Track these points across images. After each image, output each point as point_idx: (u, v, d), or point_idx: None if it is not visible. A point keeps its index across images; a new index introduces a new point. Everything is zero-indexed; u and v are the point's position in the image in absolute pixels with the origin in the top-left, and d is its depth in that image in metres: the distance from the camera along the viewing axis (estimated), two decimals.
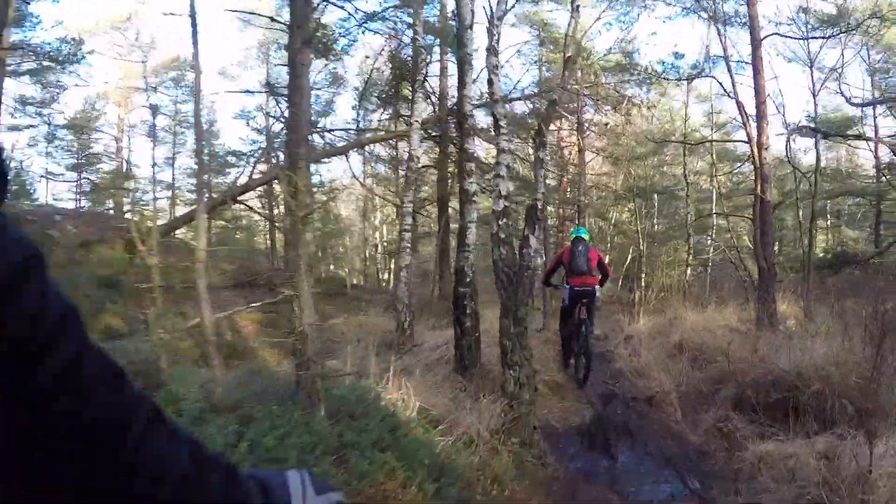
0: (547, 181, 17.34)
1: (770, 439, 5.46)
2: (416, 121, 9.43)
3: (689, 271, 15.96)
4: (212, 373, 5.23)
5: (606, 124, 19.50)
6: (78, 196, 30.77)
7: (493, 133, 5.94)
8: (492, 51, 5.95)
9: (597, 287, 7.89)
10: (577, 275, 7.72)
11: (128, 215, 22.69)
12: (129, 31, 28.20)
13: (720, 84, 10.76)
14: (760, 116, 10.37)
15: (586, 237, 8.14)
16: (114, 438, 0.51)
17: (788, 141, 9.89)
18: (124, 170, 31.14)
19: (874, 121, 19.46)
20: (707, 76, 12.80)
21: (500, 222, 5.31)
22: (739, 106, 10.51)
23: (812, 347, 6.83)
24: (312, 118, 17.53)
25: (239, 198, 13.07)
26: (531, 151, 9.40)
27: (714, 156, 16.74)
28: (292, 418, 4.18)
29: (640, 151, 18.39)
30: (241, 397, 4.67)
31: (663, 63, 13.40)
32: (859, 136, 15.16)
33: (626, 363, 9.03)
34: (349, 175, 19.04)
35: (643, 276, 16.61)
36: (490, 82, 5.88)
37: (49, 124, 27.67)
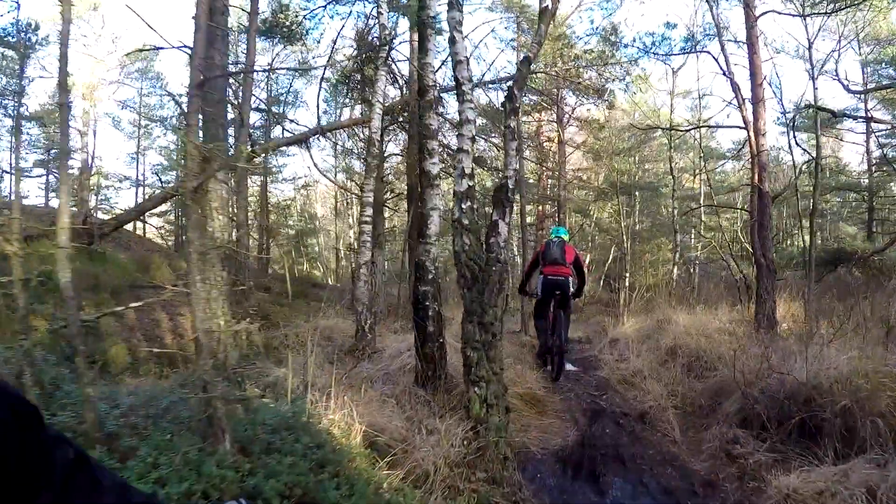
0: (522, 157, 16.52)
1: (790, 465, 4.55)
2: (378, 101, 8.44)
3: (675, 270, 15.05)
4: (103, 389, 4.20)
5: (587, 120, 18.79)
6: (47, 193, 29.53)
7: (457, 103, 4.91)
8: (454, 4, 4.96)
9: (570, 279, 7.81)
10: (551, 264, 7.78)
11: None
12: (95, 21, 26.93)
13: (715, 59, 9.82)
14: (757, 99, 9.49)
15: (565, 237, 8.21)
16: (24, 495, 0.44)
17: (794, 121, 8.94)
18: (89, 165, 29.77)
19: (866, 114, 18.72)
20: (701, 51, 11.83)
21: (464, 206, 4.32)
22: (734, 87, 9.60)
23: (827, 355, 5.90)
24: (280, 110, 16.48)
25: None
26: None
27: (701, 145, 15.84)
28: (185, 454, 3.15)
29: (622, 146, 17.54)
30: (129, 423, 3.63)
31: (653, 35, 12.40)
32: (871, 119, 14.34)
33: (613, 371, 8.08)
34: (320, 173, 17.96)
35: (627, 275, 15.68)
36: (452, 40, 4.89)
37: (12, 117, 26.33)
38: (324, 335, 8.94)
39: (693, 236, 21.01)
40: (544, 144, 20.65)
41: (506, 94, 4.52)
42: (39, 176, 29.17)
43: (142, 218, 14.39)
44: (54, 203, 28.21)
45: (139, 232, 25.51)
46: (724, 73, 9.76)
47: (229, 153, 3.94)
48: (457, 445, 4.02)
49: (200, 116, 4.74)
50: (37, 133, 28.63)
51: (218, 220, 3.99)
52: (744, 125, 9.63)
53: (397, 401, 5.48)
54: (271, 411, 4.12)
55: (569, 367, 8.83)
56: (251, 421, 3.75)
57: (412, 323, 6.45)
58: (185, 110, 3.58)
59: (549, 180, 19.66)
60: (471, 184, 4.41)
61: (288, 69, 17.72)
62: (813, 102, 9.59)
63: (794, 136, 10.05)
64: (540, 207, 21.38)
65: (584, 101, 18.77)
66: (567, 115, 17.30)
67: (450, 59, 5.06)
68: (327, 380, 6.42)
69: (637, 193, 18.77)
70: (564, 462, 4.84)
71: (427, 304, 5.55)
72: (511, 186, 4.30)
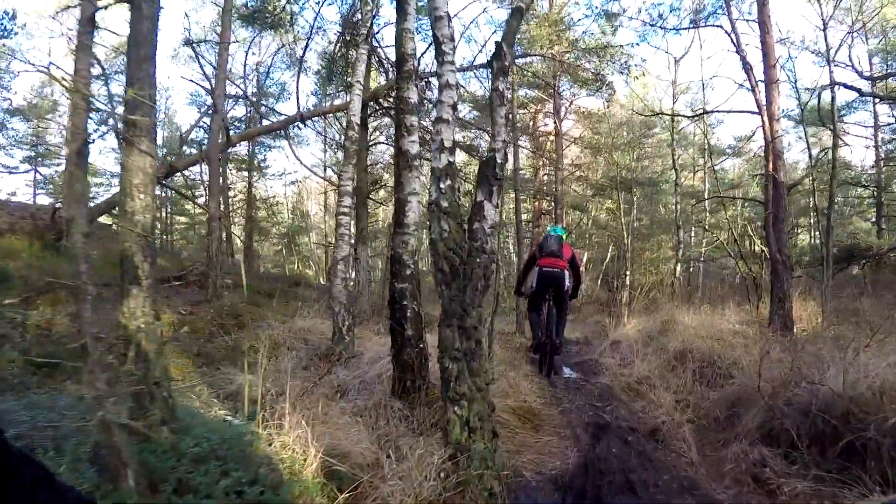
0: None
1: (832, 493, 3.82)
2: (359, 82, 7.68)
3: (678, 268, 14.30)
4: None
5: (585, 113, 18.06)
6: (35, 189, 28.75)
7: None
8: None
9: (567, 273, 7.58)
10: (548, 255, 7.59)
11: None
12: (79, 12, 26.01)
13: (728, 34, 9.04)
14: (770, 81, 8.75)
15: (563, 235, 8.07)
16: None
17: (812, 102, 8.15)
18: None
19: (874, 107, 18.02)
20: (711, 25, 10.99)
21: (442, 185, 3.56)
22: (746, 67, 8.85)
23: (863, 361, 5.16)
24: (266, 102, 15.69)
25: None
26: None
27: (706, 134, 15.06)
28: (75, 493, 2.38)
29: (622, 140, 16.79)
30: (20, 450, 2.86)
31: (659, 6, 11.59)
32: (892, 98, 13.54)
33: (616, 377, 7.34)
34: (299, 161, 17.07)
35: (627, 273, 14.93)
36: None
37: None
38: (300, 337, 8.19)
39: (693, 234, 20.24)
40: (540, 139, 19.97)
41: (493, 51, 3.76)
42: (27, 171, 28.26)
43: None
44: (42, 200, 27.44)
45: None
46: (736, 51, 9.00)
47: (149, 117, 3.17)
48: (431, 478, 3.26)
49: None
50: (23, 129, 27.74)
51: (139, 199, 3.25)
52: (756, 110, 8.88)
53: (370, 415, 4.74)
54: (209, 431, 3.37)
55: (567, 372, 8.10)
56: (173, 447, 3.01)
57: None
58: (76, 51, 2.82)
59: (546, 176, 18.93)
60: (451, 160, 3.65)
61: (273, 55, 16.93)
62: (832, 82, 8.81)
63: (823, 115, 9.26)
64: (536, 204, 20.66)
65: (581, 94, 18.17)
66: (564, 109, 16.59)
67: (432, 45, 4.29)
68: (293, 388, 5.70)
69: (636, 189, 17.94)
70: (564, 490, 4.07)
71: (405, 303, 4.79)
72: (499, 161, 3.54)
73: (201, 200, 28.77)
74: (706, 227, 15.85)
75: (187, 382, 6.59)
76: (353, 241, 9.72)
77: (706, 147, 15.55)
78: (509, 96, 4.46)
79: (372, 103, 10.47)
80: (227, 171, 24.00)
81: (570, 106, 17.78)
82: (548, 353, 7.46)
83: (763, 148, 9.11)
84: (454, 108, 3.84)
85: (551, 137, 17.51)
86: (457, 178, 3.66)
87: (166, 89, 36.98)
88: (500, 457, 3.52)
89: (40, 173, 28.71)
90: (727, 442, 5.09)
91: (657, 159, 24.27)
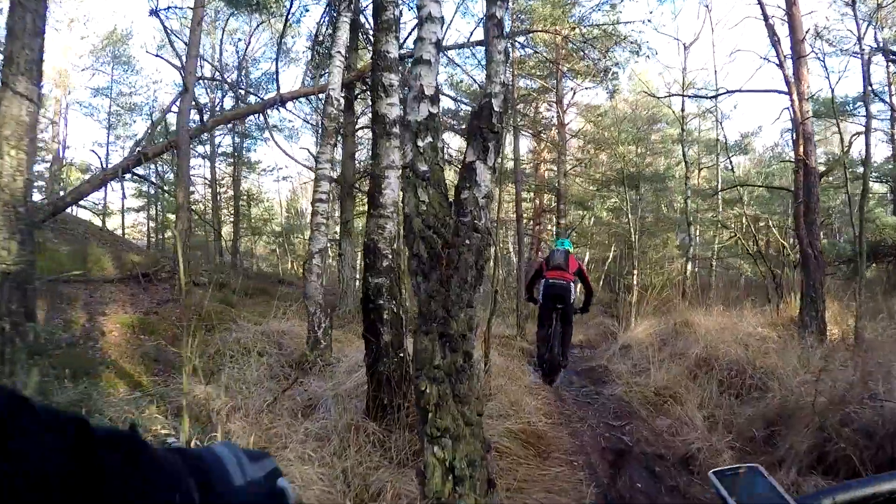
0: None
1: None
2: (339, 52, 6.78)
3: (689, 266, 13.39)
4: None
5: (588, 106, 17.23)
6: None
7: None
8: None
9: (572, 286, 7.58)
10: (554, 268, 7.47)
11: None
12: (66, 4, 25.20)
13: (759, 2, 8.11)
14: (798, 55, 7.86)
15: (570, 249, 8.05)
16: None
17: (865, 68, 7.22)
18: (61, 156, 28.07)
19: (890, 97, 17.10)
20: None
21: (421, 143, 2.65)
22: (773, 40, 7.95)
23: None
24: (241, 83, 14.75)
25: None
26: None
27: (721, 120, 14.13)
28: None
29: (626, 135, 15.85)
30: None
31: None
32: None
33: (631, 387, 6.44)
34: (276, 144, 15.84)
35: (635, 272, 14.03)
36: None
37: None
38: (273, 340, 7.28)
39: (699, 233, 19.32)
40: (542, 134, 19.13)
41: None
42: None
43: (81, 204, 12.69)
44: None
45: (117, 229, 23.90)
46: (764, 18, 8.08)
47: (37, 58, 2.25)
48: None
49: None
50: None
51: (9, 157, 2.35)
52: (784, 89, 7.99)
53: (339, 439, 3.84)
54: None
55: (575, 382, 7.21)
56: None
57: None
58: None
59: (548, 172, 18.07)
60: (433, 111, 2.73)
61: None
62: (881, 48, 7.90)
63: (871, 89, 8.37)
64: (537, 201, 19.81)
65: (584, 86, 17.28)
66: (567, 100, 15.72)
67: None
68: (255, 402, 4.83)
69: (642, 185, 17.01)
70: None
71: (380, 302, 3.89)
72: (497, 109, 2.62)
73: (195, 196, 28.00)
74: (721, 221, 14.92)
75: (136, 393, 5.72)
76: (335, 233, 8.82)
77: (719, 134, 14.60)
78: (508, 26, 3.52)
79: (360, 84, 9.55)
80: (216, 166, 23.18)
81: (573, 97, 16.92)
82: (548, 369, 7.20)
83: (791, 131, 8.19)
84: (438, 46, 2.92)
85: (553, 133, 16.67)
86: (440, 135, 2.74)
87: (155, 82, 36.08)
88: (498, 492, 2.61)
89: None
90: (771, 468, 4.18)
91: (660, 157, 23.39)
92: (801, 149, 7.73)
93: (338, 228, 9.79)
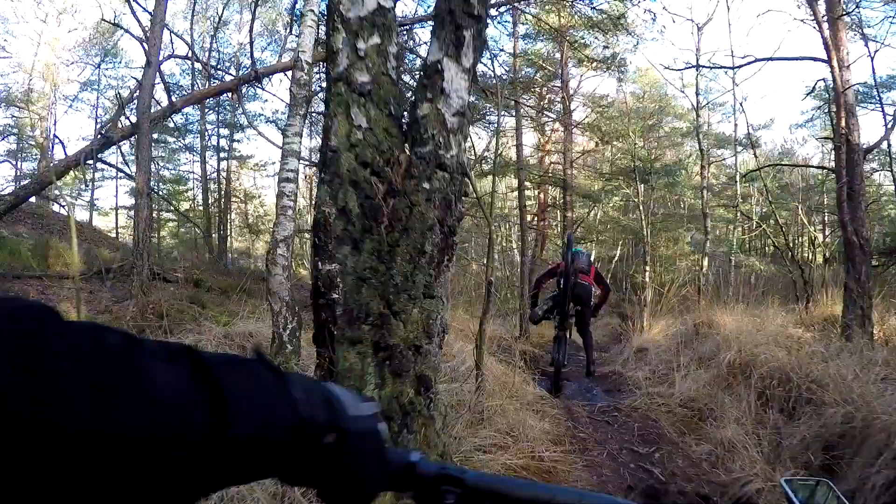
0: (524, 153, 13.96)
1: None
2: (311, 10, 5.85)
3: (706, 263, 12.40)
4: None
5: (594, 98, 16.30)
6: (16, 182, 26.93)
7: None
8: None
9: (593, 288, 7.44)
10: (579, 271, 7.17)
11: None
12: None
13: None
14: (834, 21, 6.90)
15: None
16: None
17: None
18: (50, 152, 27.16)
19: None
20: None
21: (362, 45, 1.67)
22: None
23: None
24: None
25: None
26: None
27: (742, 105, 13.07)
28: None
29: (633, 127, 14.86)
30: None
31: None
32: None
33: (653, 399, 5.49)
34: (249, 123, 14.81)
35: (647, 269, 13.05)
36: None
37: None
38: (238, 344, 6.33)
39: (710, 227, 18.32)
40: (546, 125, 18.18)
41: None
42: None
43: (44, 194, 11.75)
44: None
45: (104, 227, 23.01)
46: None
47: None
48: None
49: None
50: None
51: None
52: (822, 56, 7.00)
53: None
54: None
55: (600, 399, 6.22)
56: None
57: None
58: None
59: (553, 165, 17.07)
60: (385, 3, 1.76)
61: None
62: None
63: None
64: (542, 196, 18.82)
65: (588, 75, 16.34)
66: (574, 83, 14.76)
67: None
68: None
69: (653, 179, 16.01)
70: None
71: (334, 296, 2.89)
72: None
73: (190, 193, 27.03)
74: (742, 210, 13.91)
75: None
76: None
77: (738, 109, 13.58)
78: None
79: None
80: (209, 163, 22.25)
81: (579, 85, 15.94)
82: (560, 376, 6.61)
83: (827, 104, 7.20)
84: None
85: (558, 125, 15.71)
86: (395, 38, 1.77)
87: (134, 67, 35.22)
88: None
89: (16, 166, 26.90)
90: None
91: (669, 150, 22.42)
92: (843, 122, 6.74)
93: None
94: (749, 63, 8.09)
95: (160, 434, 0.39)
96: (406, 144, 1.53)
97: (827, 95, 7.75)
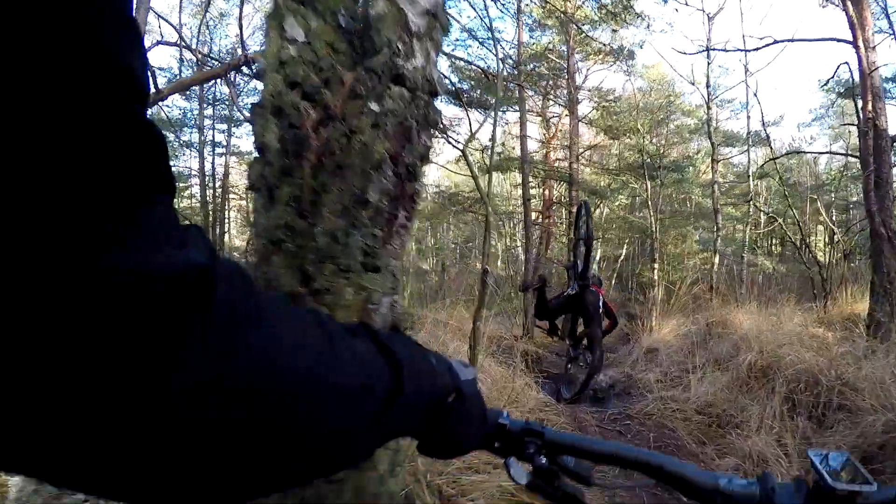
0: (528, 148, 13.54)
1: None
2: None
3: (717, 260, 11.92)
4: None
5: (601, 91, 15.89)
6: None
7: None
8: None
9: (602, 297, 6.89)
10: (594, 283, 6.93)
11: None
12: None
13: None
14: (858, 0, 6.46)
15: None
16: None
17: None
18: None
19: None
20: None
21: None
22: None
23: None
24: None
25: None
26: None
27: (755, 93, 12.59)
28: None
29: (641, 122, 14.40)
30: None
31: None
32: None
33: (666, 403, 5.04)
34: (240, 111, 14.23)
35: (656, 267, 12.60)
36: None
37: None
38: None
39: (720, 226, 17.85)
40: (551, 121, 17.74)
41: None
42: None
43: None
44: None
45: None
46: None
47: None
48: None
49: None
50: None
51: None
52: (850, 37, 6.55)
53: None
54: None
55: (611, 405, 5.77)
56: None
57: None
58: None
59: (558, 161, 16.60)
60: None
61: None
62: None
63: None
64: (546, 192, 18.34)
65: (595, 68, 15.91)
66: (580, 76, 14.32)
67: None
68: None
69: (661, 175, 15.55)
70: None
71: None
72: None
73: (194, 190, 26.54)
74: (756, 205, 13.41)
75: None
76: None
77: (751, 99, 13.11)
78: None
79: None
80: (208, 159, 21.81)
81: (585, 79, 15.52)
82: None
83: (850, 88, 6.75)
84: None
85: (564, 121, 15.27)
86: None
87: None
88: None
89: None
90: None
91: (677, 147, 21.95)
92: (870, 106, 6.29)
93: None
94: (768, 45, 7.65)
95: (365, 386, 0.48)
96: (358, 66, 1.10)
97: (852, 80, 7.28)
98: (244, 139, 23.66)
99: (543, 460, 0.71)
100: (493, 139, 4.29)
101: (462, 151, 3.56)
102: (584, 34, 12.21)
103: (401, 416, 0.54)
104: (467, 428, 0.68)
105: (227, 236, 21.42)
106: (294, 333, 0.42)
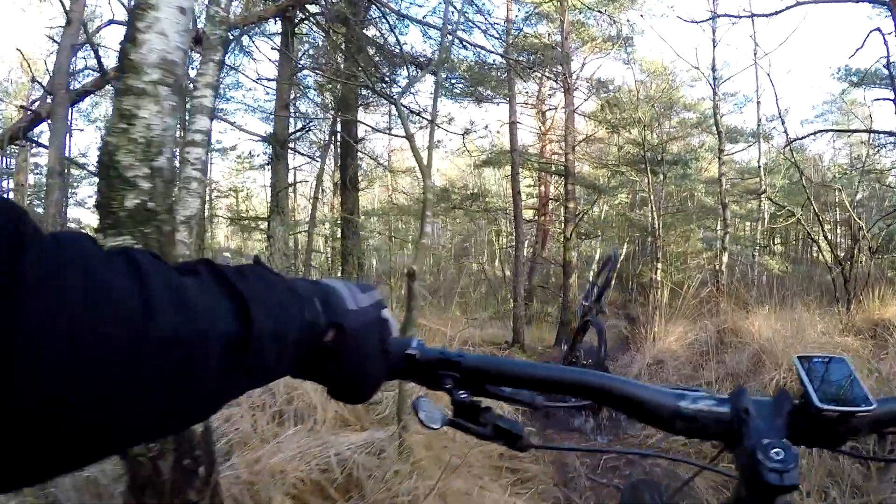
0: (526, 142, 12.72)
1: None
2: None
3: (725, 259, 11.00)
4: None
5: (600, 81, 15.07)
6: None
7: None
8: None
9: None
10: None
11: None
12: None
13: None
14: None
15: None
16: None
17: None
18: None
19: None
20: None
21: None
22: None
23: None
24: None
25: None
26: None
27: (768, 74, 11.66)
28: None
29: (641, 114, 13.52)
30: None
31: None
32: None
33: (678, 439, 4.07)
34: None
35: (658, 268, 11.70)
36: None
37: None
38: None
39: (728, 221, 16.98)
40: (546, 113, 16.96)
41: None
42: None
43: None
44: None
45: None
46: None
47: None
48: None
49: None
50: None
51: None
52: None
53: None
54: None
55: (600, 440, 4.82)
56: None
57: None
58: None
59: (555, 154, 15.77)
60: None
61: None
62: None
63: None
64: (542, 188, 17.54)
65: (592, 57, 15.07)
66: (577, 63, 13.50)
67: None
68: None
69: (663, 169, 14.68)
70: None
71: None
72: None
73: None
74: (770, 198, 12.48)
75: None
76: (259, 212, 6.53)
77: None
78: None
79: (301, 13, 7.20)
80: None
81: (582, 68, 14.65)
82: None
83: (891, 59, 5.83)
84: None
85: (560, 114, 14.43)
86: None
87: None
88: None
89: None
90: None
91: (678, 142, 21.12)
92: None
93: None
94: (789, 7, 6.69)
95: (198, 334, 0.42)
96: None
97: (887, 48, 6.38)
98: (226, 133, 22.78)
99: (464, 394, 0.64)
100: (434, 98, 3.41)
101: (394, 103, 2.74)
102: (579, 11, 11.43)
103: (256, 363, 0.48)
104: (360, 367, 0.62)
105: (207, 236, 20.46)
106: (105, 280, 0.38)
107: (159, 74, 1.74)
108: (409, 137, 2.55)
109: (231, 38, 6.77)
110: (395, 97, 3.10)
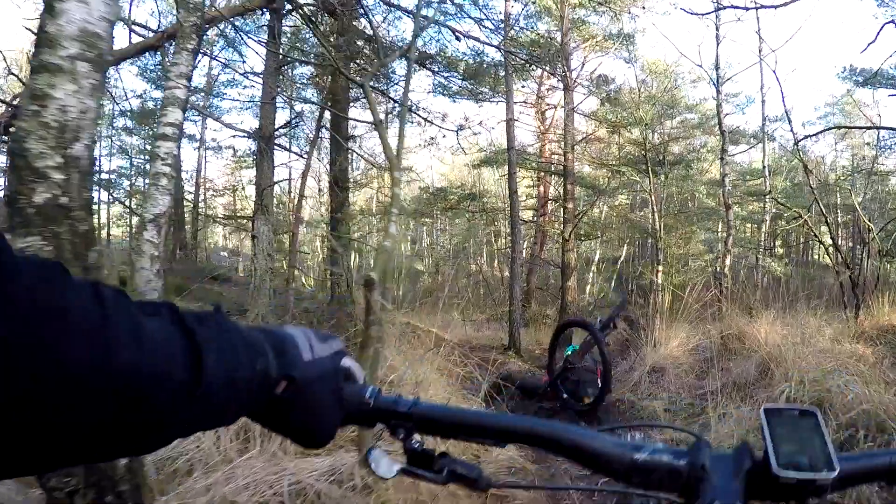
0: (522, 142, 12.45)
1: None
2: None
3: (728, 261, 10.72)
4: None
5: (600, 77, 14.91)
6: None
7: None
8: None
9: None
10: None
11: None
12: None
13: None
14: None
15: None
16: None
17: None
18: None
19: None
20: None
21: None
22: None
23: None
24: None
25: None
26: None
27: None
28: None
29: (643, 113, 13.26)
30: None
31: None
32: None
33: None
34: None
35: (659, 270, 11.44)
36: None
37: None
38: None
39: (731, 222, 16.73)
40: (546, 112, 16.75)
41: None
42: None
43: None
44: None
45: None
46: None
47: None
48: None
49: None
50: None
51: None
52: None
53: None
54: None
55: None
56: None
57: None
58: None
59: (555, 156, 15.52)
60: None
61: None
62: None
63: None
64: (541, 187, 17.31)
65: (592, 56, 14.85)
66: (577, 60, 13.28)
67: None
68: None
69: (664, 169, 14.43)
70: None
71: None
72: None
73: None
74: (776, 198, 12.20)
75: None
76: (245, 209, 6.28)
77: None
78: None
79: (288, 4, 6.94)
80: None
81: (582, 66, 14.44)
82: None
83: None
84: None
85: (560, 108, 14.17)
86: None
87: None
88: None
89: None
90: None
91: (679, 143, 20.90)
92: None
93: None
94: None
95: (152, 373, 0.42)
96: None
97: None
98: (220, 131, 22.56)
99: (416, 442, 0.65)
100: (406, 81, 3.15)
101: (362, 86, 2.51)
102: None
103: (205, 408, 0.49)
104: (312, 417, 0.63)
105: (199, 234, 20.22)
106: (71, 306, 0.38)
107: (78, 48, 1.48)
108: (378, 124, 2.34)
109: (218, 31, 6.48)
110: (363, 81, 2.88)
